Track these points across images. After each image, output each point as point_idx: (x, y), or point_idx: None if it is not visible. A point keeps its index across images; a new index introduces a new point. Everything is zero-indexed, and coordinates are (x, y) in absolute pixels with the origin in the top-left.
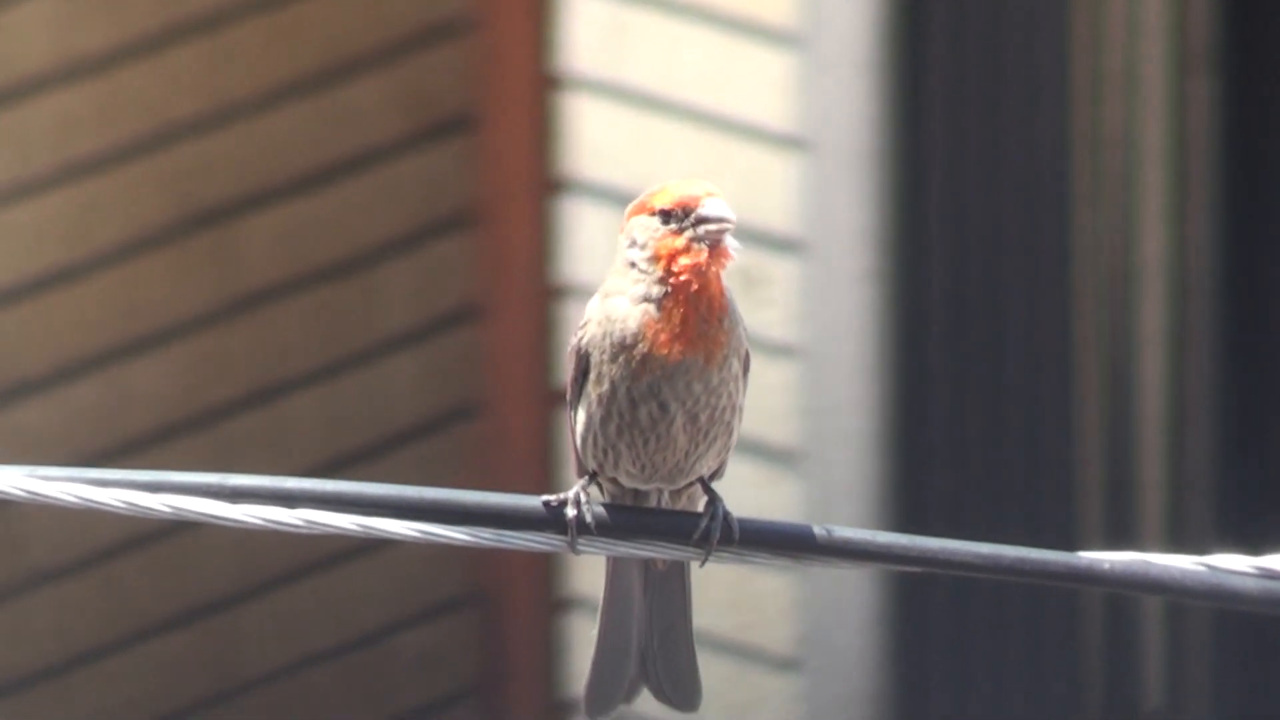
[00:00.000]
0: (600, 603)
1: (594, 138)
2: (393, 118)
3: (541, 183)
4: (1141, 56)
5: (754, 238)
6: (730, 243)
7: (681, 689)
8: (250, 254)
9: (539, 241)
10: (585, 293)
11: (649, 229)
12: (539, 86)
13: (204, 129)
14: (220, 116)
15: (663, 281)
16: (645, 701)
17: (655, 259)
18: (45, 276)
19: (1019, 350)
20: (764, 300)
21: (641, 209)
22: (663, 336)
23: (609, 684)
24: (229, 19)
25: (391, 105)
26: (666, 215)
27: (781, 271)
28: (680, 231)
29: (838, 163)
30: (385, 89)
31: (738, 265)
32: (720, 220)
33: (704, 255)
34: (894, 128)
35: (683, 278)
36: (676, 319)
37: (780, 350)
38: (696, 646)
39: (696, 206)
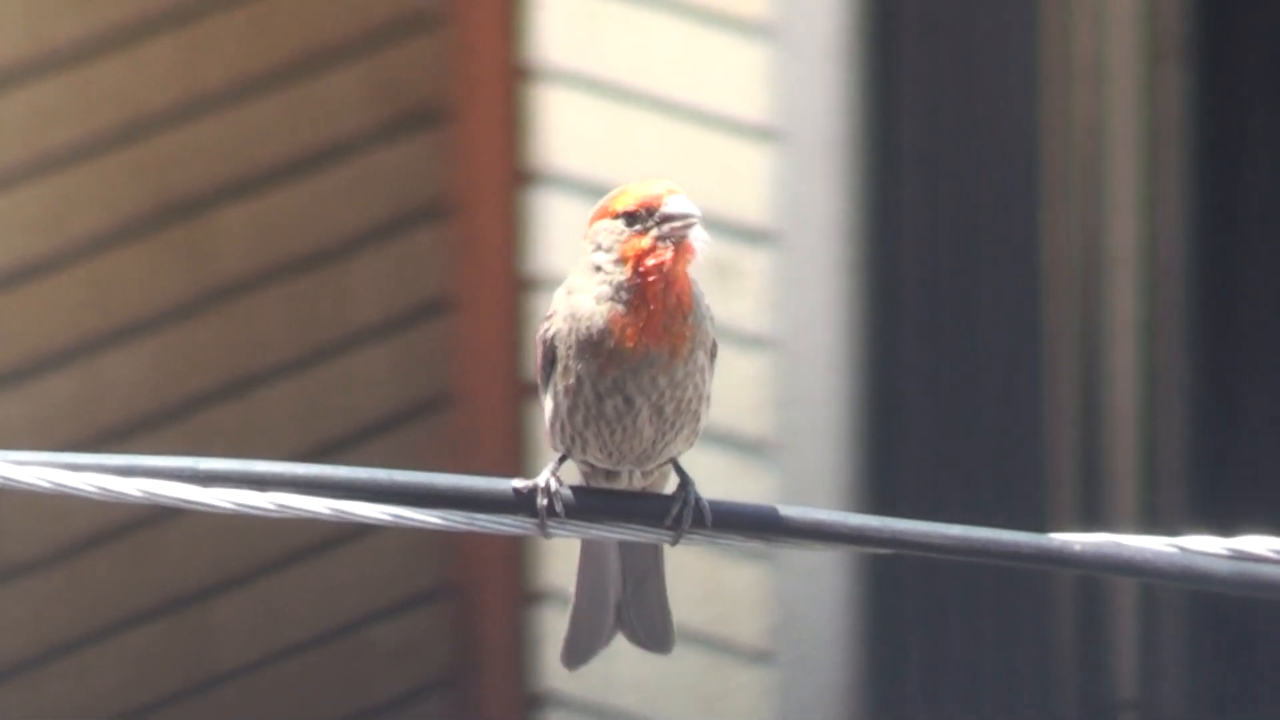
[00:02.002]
0: (576, 559)
1: (566, 129)
2: (365, 109)
3: (514, 174)
4: (1112, 46)
5: (726, 228)
6: (697, 237)
7: (655, 633)
8: (224, 245)
9: (511, 232)
10: (557, 284)
11: (613, 232)
12: (511, 78)
13: (178, 121)
14: (194, 108)
15: (629, 282)
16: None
17: (622, 261)
18: (18, 268)
19: (991, 340)
20: (736, 291)
21: (604, 213)
22: (628, 332)
23: (586, 636)
24: (203, 11)
25: (364, 97)
26: (630, 217)
27: (754, 262)
28: (645, 232)
29: (810, 153)
30: (358, 80)
31: (710, 256)
32: (685, 217)
33: (670, 254)
34: (866, 118)
35: (650, 278)
36: (642, 316)
37: (752, 341)
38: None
39: (659, 205)
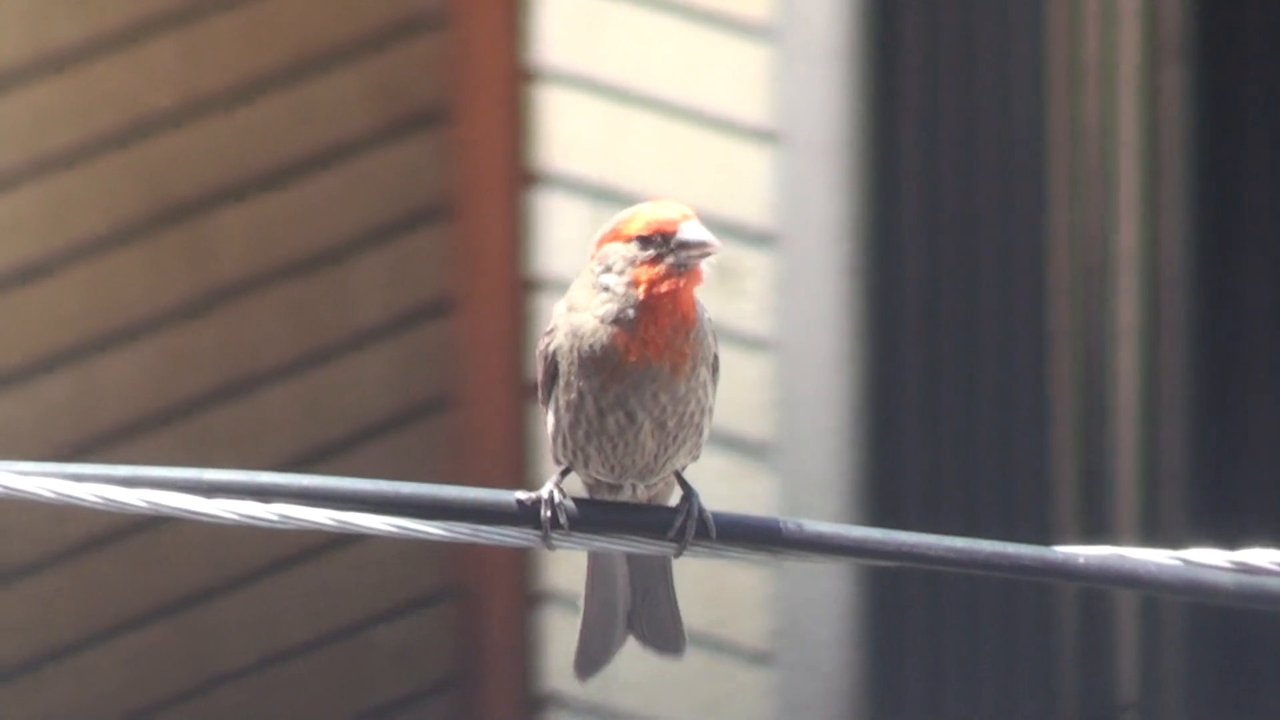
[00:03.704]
0: (585, 569)
1: (567, 131)
2: (366, 111)
3: (514, 176)
4: (1116, 47)
5: (727, 231)
6: (705, 264)
7: (666, 636)
8: (224, 247)
9: (512, 235)
10: (558, 286)
11: (626, 255)
12: (512, 80)
13: (177, 122)
14: (194, 110)
15: (637, 306)
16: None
17: (634, 285)
18: (18, 271)
19: (993, 343)
20: (737, 293)
21: (615, 235)
22: (630, 349)
23: (597, 646)
24: (202, 13)
25: (365, 99)
26: (644, 241)
27: (755, 264)
28: (659, 259)
29: (811, 155)
30: (358, 82)
31: (711, 260)
32: (701, 245)
33: (682, 281)
34: (867, 120)
35: (661, 304)
36: (647, 336)
37: (754, 343)
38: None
39: (675, 231)
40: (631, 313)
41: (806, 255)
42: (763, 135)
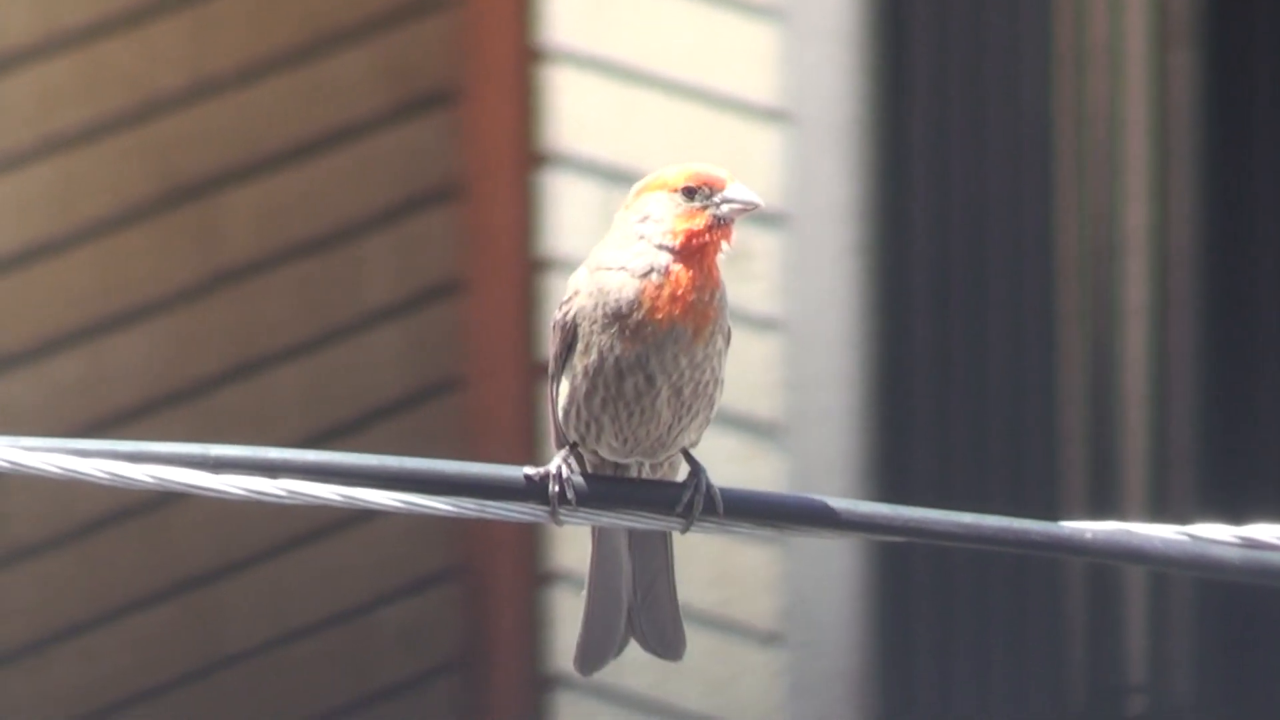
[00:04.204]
0: (588, 563)
1: (576, 111)
2: (375, 91)
3: (524, 156)
4: (1124, 29)
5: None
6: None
7: (666, 639)
8: (233, 228)
9: (522, 215)
10: (568, 266)
11: (669, 204)
12: (521, 60)
13: (186, 103)
14: (202, 90)
15: (674, 254)
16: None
17: (673, 233)
18: (27, 250)
19: (1002, 323)
20: (747, 274)
21: (659, 186)
22: (658, 304)
23: (599, 642)
24: None
25: (374, 79)
26: (690, 193)
27: (764, 245)
28: (703, 209)
29: (820, 136)
30: (368, 62)
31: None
32: (748, 203)
33: (720, 233)
34: (877, 101)
35: (699, 253)
36: (677, 289)
37: (763, 324)
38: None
39: (722, 186)
40: (665, 262)
41: (816, 236)
42: (772, 115)
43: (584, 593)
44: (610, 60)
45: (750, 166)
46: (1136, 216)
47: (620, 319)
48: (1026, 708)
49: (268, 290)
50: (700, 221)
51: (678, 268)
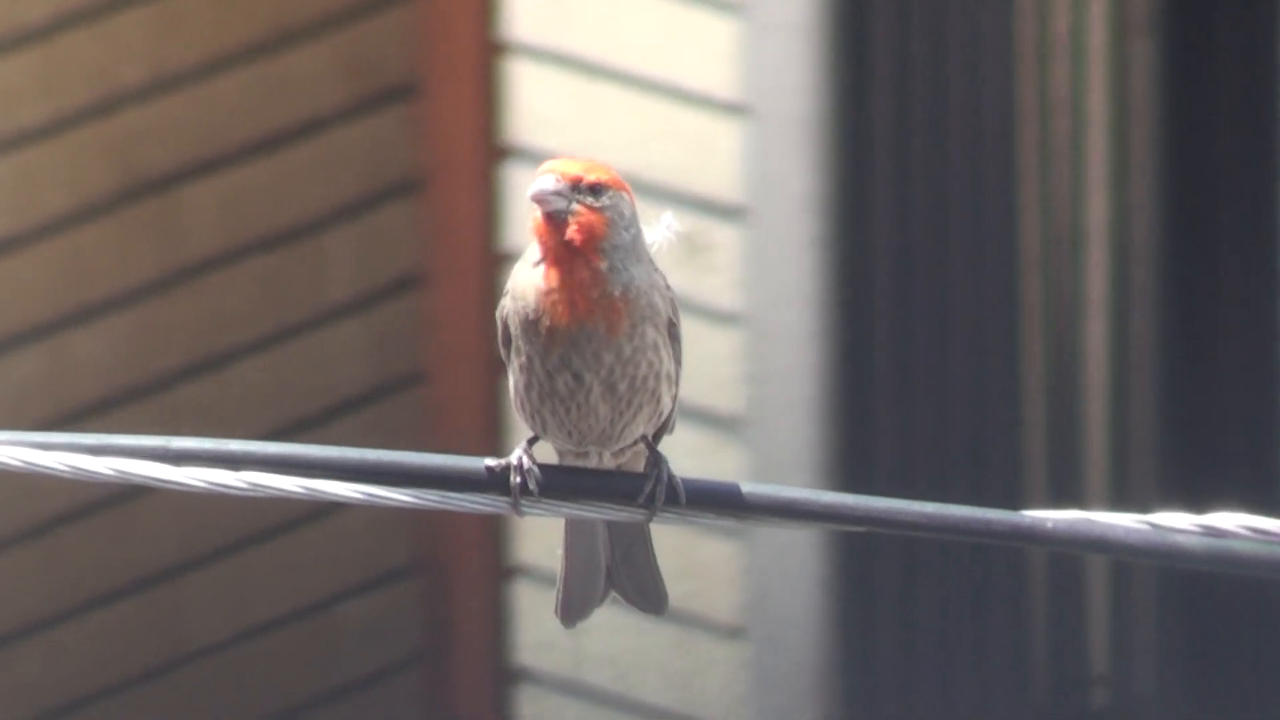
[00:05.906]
0: (556, 533)
1: (537, 105)
2: (336, 85)
3: (485, 150)
4: (1086, 20)
5: (697, 204)
6: (554, 209)
7: (648, 595)
8: (194, 222)
9: (483, 209)
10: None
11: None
12: (483, 53)
13: (147, 97)
14: (163, 85)
15: (544, 257)
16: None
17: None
18: None
19: (964, 316)
20: (707, 267)
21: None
22: (559, 306)
23: (580, 595)
24: None
25: (335, 73)
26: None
27: (725, 238)
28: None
29: (781, 129)
30: (329, 57)
31: (681, 232)
32: (531, 196)
33: (540, 231)
34: (838, 93)
35: (551, 253)
36: (564, 289)
37: (724, 317)
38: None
39: (581, 179)
40: (542, 266)
41: (776, 229)
42: (732, 109)
43: (560, 552)
44: (571, 54)
45: (711, 160)
46: (1097, 208)
47: (532, 323)
48: (990, 700)
49: (229, 284)
50: (538, 222)
51: (552, 270)
